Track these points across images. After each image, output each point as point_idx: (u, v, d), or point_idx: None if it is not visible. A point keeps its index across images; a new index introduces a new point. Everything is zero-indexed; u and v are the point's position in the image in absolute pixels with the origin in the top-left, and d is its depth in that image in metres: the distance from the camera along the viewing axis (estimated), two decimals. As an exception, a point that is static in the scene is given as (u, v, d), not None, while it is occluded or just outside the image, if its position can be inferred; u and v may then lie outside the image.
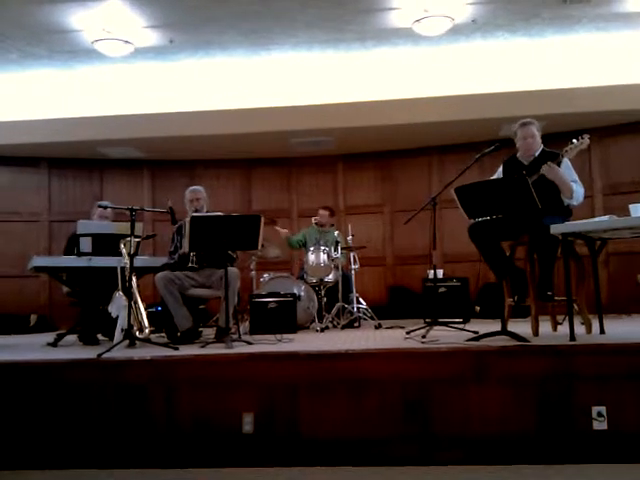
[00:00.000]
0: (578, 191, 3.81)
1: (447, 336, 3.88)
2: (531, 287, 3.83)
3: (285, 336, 4.39)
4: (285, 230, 6.52)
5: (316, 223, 6.68)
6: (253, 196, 8.53)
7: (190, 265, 4.48)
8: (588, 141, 3.76)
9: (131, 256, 4.04)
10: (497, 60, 6.85)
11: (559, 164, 3.80)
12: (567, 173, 3.83)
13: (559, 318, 4.28)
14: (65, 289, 5.00)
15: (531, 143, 3.96)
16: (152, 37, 6.19)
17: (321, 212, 6.68)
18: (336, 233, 6.31)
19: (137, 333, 4.00)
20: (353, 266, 6.02)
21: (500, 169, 4.15)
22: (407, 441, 3.08)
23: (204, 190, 4.87)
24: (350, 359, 3.24)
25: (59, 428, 3.21)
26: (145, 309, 4.24)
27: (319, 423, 3.14)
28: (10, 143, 7.43)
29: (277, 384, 3.20)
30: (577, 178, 3.88)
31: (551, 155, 3.86)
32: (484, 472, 2.93)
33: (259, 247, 4.30)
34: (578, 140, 3.76)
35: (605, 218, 3.48)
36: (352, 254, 6.06)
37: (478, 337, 3.55)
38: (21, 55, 6.51)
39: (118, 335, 3.97)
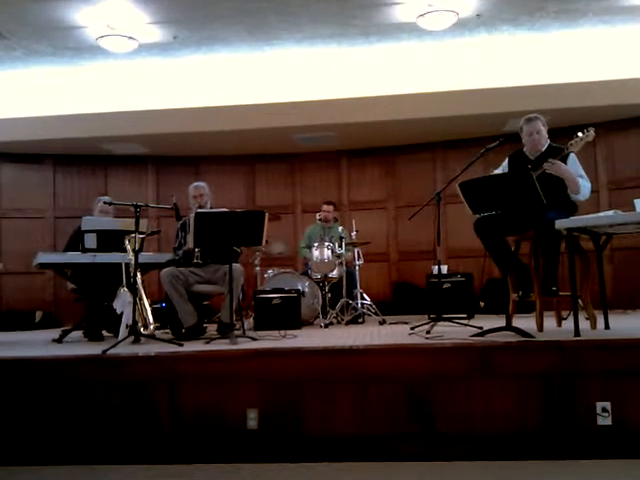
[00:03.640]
0: (585, 186, 3.79)
1: (451, 332, 3.88)
2: (536, 282, 3.81)
3: (289, 332, 4.40)
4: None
5: (320, 219, 6.69)
6: (257, 192, 8.54)
7: (195, 261, 4.49)
8: (593, 133, 3.74)
9: (136, 252, 4.05)
10: (502, 54, 6.81)
11: (565, 158, 3.78)
12: (573, 168, 3.81)
13: (564, 313, 4.27)
14: (70, 285, 5.02)
15: (537, 139, 3.93)
16: (156, 33, 6.18)
17: (325, 207, 6.68)
18: (340, 229, 6.30)
19: (142, 329, 4.01)
20: (357, 262, 6.02)
21: (505, 162, 4.13)
22: (412, 437, 3.08)
23: (207, 186, 4.87)
24: (354, 355, 3.24)
25: (64, 424, 3.23)
26: (150, 305, 4.24)
27: (324, 419, 3.15)
28: (15, 140, 7.46)
29: (281, 380, 3.20)
30: (583, 173, 3.86)
31: (557, 150, 3.84)
32: (489, 468, 2.93)
33: (263, 243, 4.30)
34: (583, 133, 3.74)
35: (610, 213, 3.47)
36: (356, 250, 6.06)
37: (483, 333, 3.55)
38: (26, 52, 6.52)
39: (123, 331, 3.97)
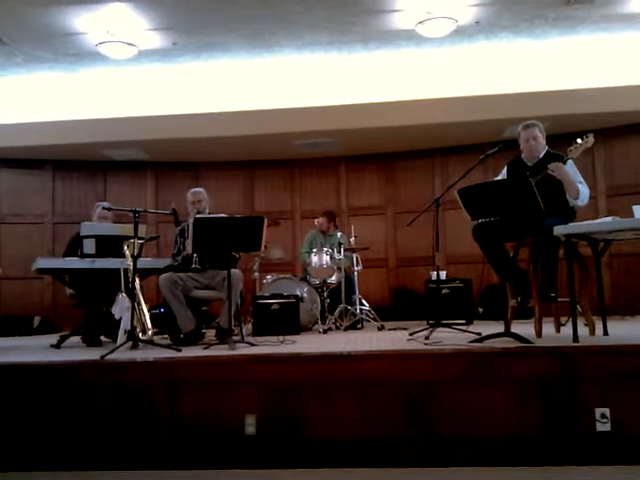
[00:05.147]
0: (584, 192, 3.79)
1: (450, 337, 3.88)
2: (534, 288, 3.82)
3: (288, 337, 4.39)
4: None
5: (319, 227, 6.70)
6: (256, 197, 8.55)
7: (193, 266, 4.49)
8: (592, 140, 3.75)
9: (134, 258, 4.05)
10: (500, 61, 6.84)
11: (564, 164, 3.79)
12: (571, 174, 3.82)
13: (562, 320, 4.27)
14: (68, 291, 5.01)
15: (534, 145, 3.95)
16: (156, 39, 6.20)
17: (320, 220, 6.68)
18: (339, 235, 6.31)
19: (140, 335, 4.01)
20: (356, 267, 6.02)
21: (504, 170, 4.14)
22: (411, 442, 3.08)
23: (205, 191, 4.88)
24: (353, 360, 3.24)
25: (63, 430, 3.22)
26: (148, 310, 4.24)
27: (322, 424, 3.14)
28: (15, 145, 7.47)
29: (280, 385, 3.20)
30: (582, 179, 3.87)
31: (556, 157, 3.86)
32: (487, 473, 2.92)
33: (262, 249, 4.31)
34: (582, 139, 3.75)
35: (609, 219, 3.47)
36: (355, 255, 6.06)
37: (481, 338, 3.55)
38: (26, 58, 6.54)
39: (121, 337, 3.98)
